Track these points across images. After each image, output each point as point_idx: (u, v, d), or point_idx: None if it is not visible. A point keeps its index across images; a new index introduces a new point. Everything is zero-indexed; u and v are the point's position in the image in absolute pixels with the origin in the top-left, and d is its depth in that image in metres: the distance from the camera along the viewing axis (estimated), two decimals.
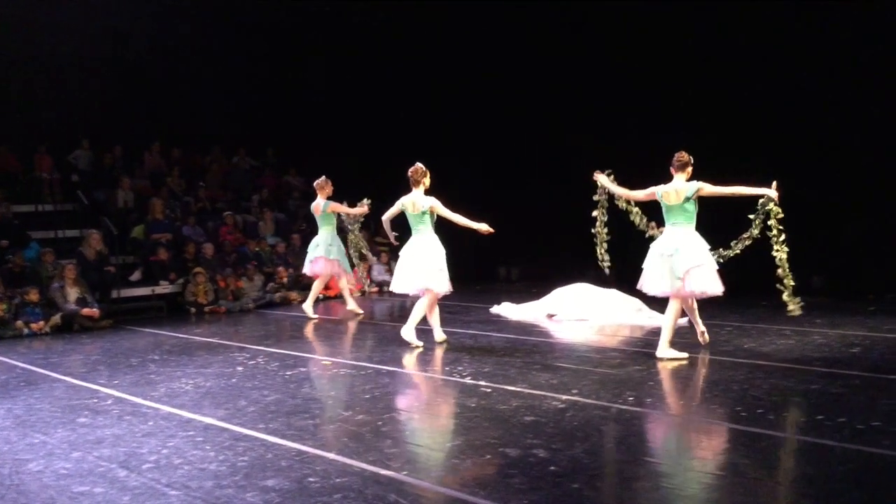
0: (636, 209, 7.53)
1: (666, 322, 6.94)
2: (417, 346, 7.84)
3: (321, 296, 12.62)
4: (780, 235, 6.84)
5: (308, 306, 10.43)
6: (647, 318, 9.13)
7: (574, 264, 11.87)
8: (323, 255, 10.04)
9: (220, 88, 15.36)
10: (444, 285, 7.80)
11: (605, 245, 7.76)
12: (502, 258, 14.45)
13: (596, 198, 7.65)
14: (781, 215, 6.82)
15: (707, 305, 7.39)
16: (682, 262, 6.69)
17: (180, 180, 14.50)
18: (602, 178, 7.48)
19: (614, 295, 9.54)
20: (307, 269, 10.38)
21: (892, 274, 10.46)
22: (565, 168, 12.56)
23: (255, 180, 15.68)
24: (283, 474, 4.21)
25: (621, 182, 7.44)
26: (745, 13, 10.90)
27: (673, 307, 6.90)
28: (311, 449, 4.63)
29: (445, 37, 13.94)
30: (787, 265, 6.90)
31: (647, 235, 7.41)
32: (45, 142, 13.85)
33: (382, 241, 13.34)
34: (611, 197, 7.57)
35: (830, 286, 10.62)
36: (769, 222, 6.86)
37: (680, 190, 6.76)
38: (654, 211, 7.21)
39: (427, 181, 7.96)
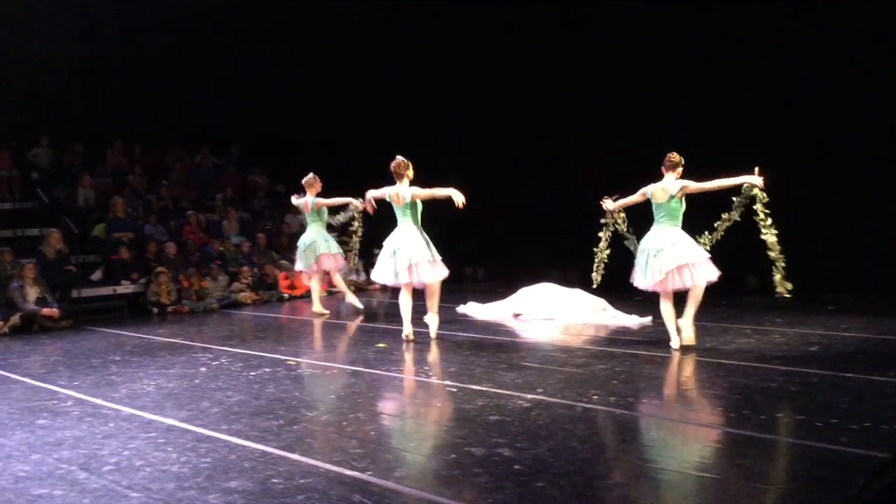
0: (633, 237, 7.67)
1: (689, 307, 7.16)
2: (433, 323, 8.20)
3: (286, 295, 12.61)
4: (768, 219, 6.97)
5: (351, 299, 10.62)
6: (612, 317, 9.23)
7: (540, 264, 11.93)
8: (325, 251, 10.13)
9: (185, 86, 15.15)
10: (436, 275, 7.97)
11: (602, 264, 7.90)
12: (468, 258, 14.44)
13: (603, 221, 7.79)
14: (767, 199, 6.93)
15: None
16: (672, 258, 6.93)
17: (142, 178, 14.31)
18: (608, 204, 7.67)
19: (579, 295, 9.61)
20: (314, 269, 10.33)
21: (847, 274, 10.64)
22: (552, 169, 12.64)
23: (218, 179, 15.53)
24: (247, 475, 4.18)
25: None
26: (745, 13, 10.92)
27: (695, 293, 7.08)
28: (274, 450, 4.60)
29: (445, 37, 13.82)
30: (777, 247, 7.00)
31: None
32: (4, 138, 13.59)
33: (348, 239, 13.29)
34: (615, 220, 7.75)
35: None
36: (755, 206, 6.98)
37: (666, 188, 7.04)
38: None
39: (410, 173, 8.01)
